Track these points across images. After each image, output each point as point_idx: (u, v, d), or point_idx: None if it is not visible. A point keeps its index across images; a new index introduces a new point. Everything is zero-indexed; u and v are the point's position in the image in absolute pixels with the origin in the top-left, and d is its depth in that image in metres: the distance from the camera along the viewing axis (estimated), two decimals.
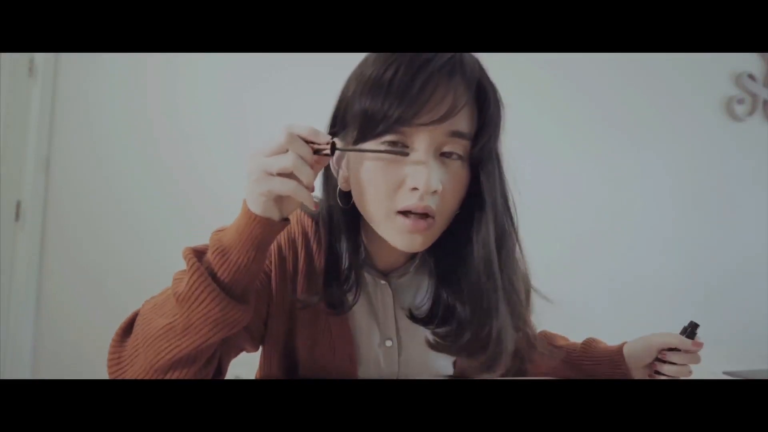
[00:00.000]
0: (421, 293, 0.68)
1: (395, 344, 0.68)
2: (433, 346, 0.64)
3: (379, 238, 0.61)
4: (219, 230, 0.55)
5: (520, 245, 0.63)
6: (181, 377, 0.53)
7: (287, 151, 0.50)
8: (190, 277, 0.51)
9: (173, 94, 1.89)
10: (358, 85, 0.56)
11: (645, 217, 2.36)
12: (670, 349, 0.69)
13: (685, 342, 0.68)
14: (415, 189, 0.54)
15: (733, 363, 1.03)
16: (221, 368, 0.60)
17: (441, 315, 0.65)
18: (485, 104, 0.58)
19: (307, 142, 0.51)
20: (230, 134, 1.91)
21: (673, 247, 2.39)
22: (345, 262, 0.63)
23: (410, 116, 0.53)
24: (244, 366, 0.77)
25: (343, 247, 0.63)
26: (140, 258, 1.82)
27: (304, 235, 0.66)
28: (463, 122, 0.56)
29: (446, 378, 0.73)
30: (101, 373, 0.55)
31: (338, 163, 0.62)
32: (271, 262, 0.64)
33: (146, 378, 0.53)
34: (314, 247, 0.65)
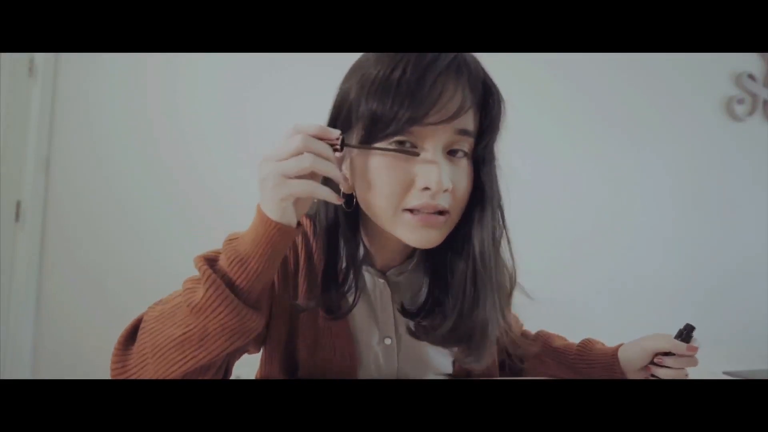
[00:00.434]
0: (418, 291, 0.68)
1: (394, 342, 0.69)
2: (413, 334, 0.65)
3: (379, 236, 0.61)
4: (232, 239, 0.54)
5: (509, 241, 0.64)
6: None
7: (302, 152, 0.50)
8: (207, 288, 0.50)
9: (173, 94, 1.89)
10: (363, 87, 0.55)
11: (645, 217, 2.36)
12: (666, 353, 0.69)
13: (679, 346, 0.67)
14: (426, 189, 0.55)
15: (733, 363, 1.03)
16: (228, 372, 0.60)
17: (428, 308, 0.65)
18: (490, 103, 0.59)
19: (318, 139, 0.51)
20: (230, 134, 1.91)
21: (673, 247, 2.39)
22: (344, 262, 0.63)
23: (420, 116, 0.53)
24: (245, 366, 0.77)
25: (343, 246, 0.64)
26: (140, 258, 1.82)
27: (304, 234, 0.66)
28: (469, 120, 0.57)
29: (446, 377, 0.73)
30: (101, 373, 0.55)
31: (339, 164, 0.62)
32: None
33: None
34: (314, 246, 0.66)
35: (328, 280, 0.63)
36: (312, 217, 0.67)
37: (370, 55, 0.58)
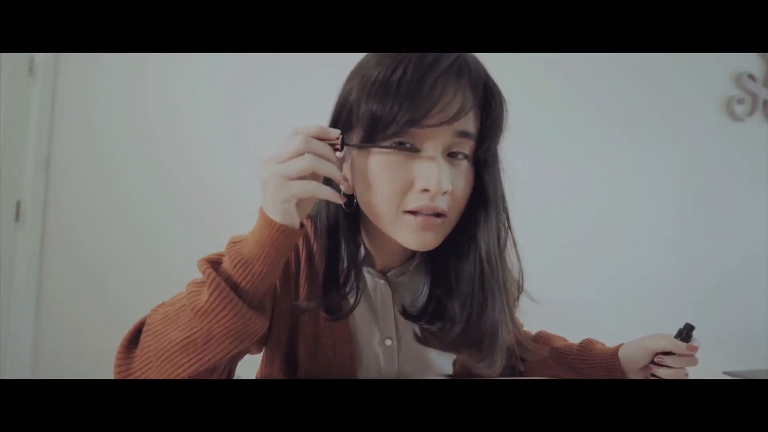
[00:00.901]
0: (419, 292, 0.68)
1: (395, 343, 0.69)
2: (420, 340, 0.65)
3: (380, 237, 0.60)
4: (235, 241, 0.54)
5: (515, 242, 0.64)
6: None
7: (302, 153, 0.50)
8: (212, 292, 0.50)
9: (173, 94, 1.89)
10: (364, 88, 0.55)
11: (645, 217, 2.36)
12: (666, 353, 0.69)
13: (679, 346, 0.68)
14: (425, 190, 0.54)
15: (733, 363, 1.03)
16: (231, 373, 0.60)
17: (432, 311, 0.65)
18: (492, 105, 0.58)
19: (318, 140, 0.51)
20: (230, 134, 1.91)
21: (673, 247, 2.39)
22: (345, 263, 0.63)
23: (419, 118, 0.53)
24: (245, 366, 0.77)
25: (343, 247, 0.63)
26: (140, 258, 1.82)
27: (305, 235, 0.66)
28: (470, 123, 0.57)
29: (446, 378, 0.73)
30: (101, 373, 0.55)
31: (340, 165, 0.62)
32: None
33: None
34: (314, 247, 0.66)
35: (329, 281, 0.63)
36: (313, 218, 0.66)
37: (373, 55, 0.58)
